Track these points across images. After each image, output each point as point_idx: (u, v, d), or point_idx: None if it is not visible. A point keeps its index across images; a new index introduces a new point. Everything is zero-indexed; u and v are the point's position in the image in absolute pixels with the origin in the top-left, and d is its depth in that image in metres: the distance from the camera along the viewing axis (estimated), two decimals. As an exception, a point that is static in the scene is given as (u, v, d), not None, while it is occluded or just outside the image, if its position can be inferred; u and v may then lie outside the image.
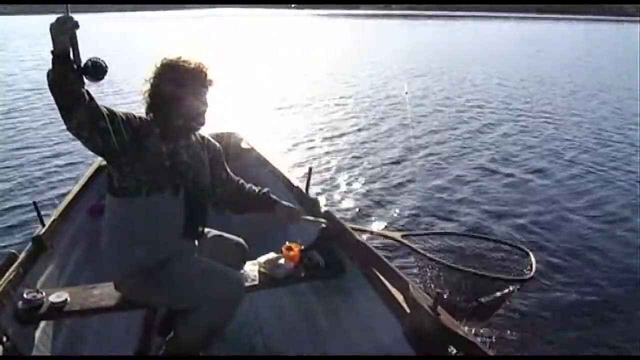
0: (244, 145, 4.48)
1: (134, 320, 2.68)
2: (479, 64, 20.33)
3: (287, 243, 2.68)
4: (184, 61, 1.99)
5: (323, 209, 2.98)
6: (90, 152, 1.91)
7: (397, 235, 2.00)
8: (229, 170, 2.42)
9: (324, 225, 2.69)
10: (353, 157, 8.11)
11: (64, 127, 1.69)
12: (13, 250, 2.44)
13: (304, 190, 3.25)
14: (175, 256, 2.08)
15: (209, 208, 2.29)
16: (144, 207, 1.99)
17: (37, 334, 2.37)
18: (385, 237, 2.10)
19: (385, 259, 2.29)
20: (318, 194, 3.26)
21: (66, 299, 2.30)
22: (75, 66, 1.64)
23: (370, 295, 2.33)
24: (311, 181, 3.26)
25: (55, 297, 2.29)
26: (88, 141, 1.74)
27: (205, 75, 2.04)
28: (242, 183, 2.45)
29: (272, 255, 2.60)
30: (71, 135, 1.74)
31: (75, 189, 3.49)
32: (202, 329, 2.10)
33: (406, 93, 13.31)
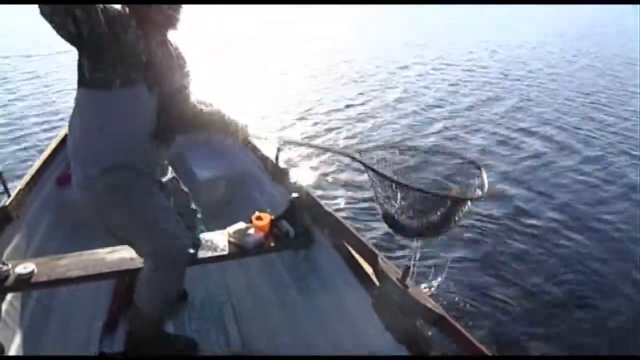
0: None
1: (103, 290, 2.66)
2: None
3: (256, 213, 2.66)
4: None
5: (293, 179, 2.97)
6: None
7: (354, 152, 1.98)
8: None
9: (294, 195, 2.68)
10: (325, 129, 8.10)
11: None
12: None
13: (273, 159, 3.22)
14: (141, 181, 2.05)
15: (182, 115, 2.18)
16: (115, 100, 1.89)
17: (4, 306, 2.33)
18: (342, 154, 2.09)
19: (354, 231, 2.30)
20: (289, 165, 3.25)
21: (33, 270, 2.26)
22: None
23: (339, 266, 2.34)
24: (280, 151, 3.23)
25: (22, 268, 2.25)
26: (60, 28, 1.65)
27: None
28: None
29: (241, 224, 2.58)
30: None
31: (42, 157, 3.41)
32: (152, 290, 2.10)
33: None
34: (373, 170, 1.83)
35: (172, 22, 1.98)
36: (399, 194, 1.81)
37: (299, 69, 13.22)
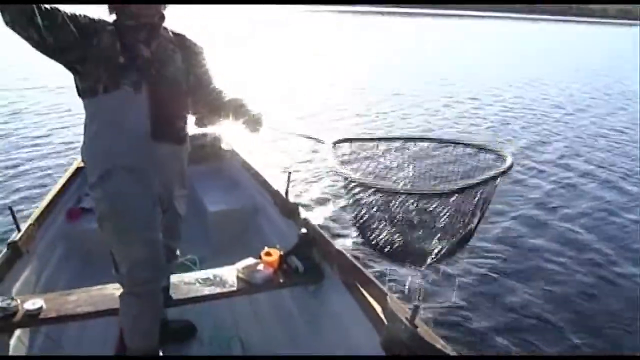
0: (224, 146, 4.47)
1: (112, 325, 2.66)
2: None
3: (266, 248, 2.67)
4: None
5: (303, 214, 2.98)
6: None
7: (328, 141, 1.86)
8: (210, 75, 2.30)
9: (303, 231, 2.69)
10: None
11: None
12: None
13: (283, 194, 3.24)
14: (138, 188, 2.00)
15: (185, 108, 2.18)
16: (102, 106, 1.92)
17: (12, 341, 2.34)
18: (312, 139, 1.97)
19: (364, 268, 2.30)
20: (298, 199, 3.28)
21: (41, 306, 2.27)
22: None
23: (348, 303, 2.32)
24: (290, 186, 3.25)
25: (31, 304, 2.26)
26: (26, 38, 1.67)
27: None
28: (221, 91, 2.32)
29: (250, 260, 2.59)
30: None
31: (53, 192, 3.44)
32: (127, 323, 2.14)
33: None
34: (351, 181, 1.62)
35: (149, 19, 1.96)
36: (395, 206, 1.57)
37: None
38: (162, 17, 2.00)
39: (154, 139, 1.98)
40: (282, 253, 2.65)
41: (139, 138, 1.96)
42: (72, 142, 8.12)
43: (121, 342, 2.46)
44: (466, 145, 1.85)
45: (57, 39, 1.72)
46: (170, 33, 2.11)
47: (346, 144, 1.95)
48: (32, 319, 2.24)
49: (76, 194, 3.66)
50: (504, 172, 1.54)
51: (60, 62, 1.84)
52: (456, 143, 1.88)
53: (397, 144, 1.98)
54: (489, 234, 5.29)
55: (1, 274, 2.40)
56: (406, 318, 1.82)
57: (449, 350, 1.73)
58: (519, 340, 3.63)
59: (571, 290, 4.36)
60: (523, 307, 4.07)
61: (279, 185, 3.49)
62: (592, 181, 7.26)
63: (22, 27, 1.63)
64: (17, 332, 2.38)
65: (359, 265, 2.33)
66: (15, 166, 7.55)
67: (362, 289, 2.22)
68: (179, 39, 2.14)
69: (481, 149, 1.79)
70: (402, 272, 4.72)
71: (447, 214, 1.56)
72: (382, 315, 2.02)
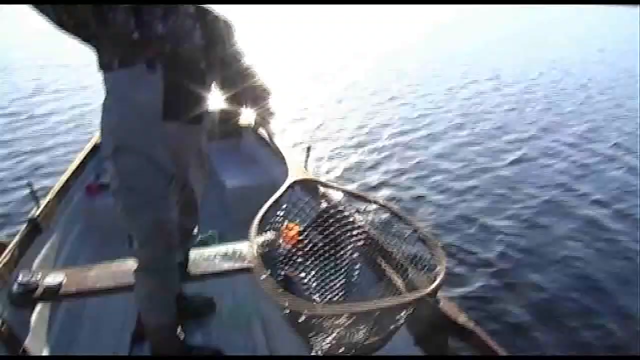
0: (244, 122, 4.44)
1: (133, 300, 2.67)
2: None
3: (285, 223, 2.64)
4: None
5: (322, 190, 2.94)
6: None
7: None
8: (239, 52, 2.25)
9: (323, 205, 2.65)
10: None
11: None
12: (1, 239, 2.40)
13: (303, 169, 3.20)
14: (150, 169, 1.96)
15: (203, 87, 2.10)
16: (116, 81, 1.90)
17: (34, 317, 2.35)
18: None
19: (385, 242, 2.25)
20: (318, 174, 3.23)
21: (62, 281, 2.28)
22: None
23: (370, 277, 2.29)
24: (309, 160, 3.20)
25: (51, 279, 2.27)
26: (44, 15, 1.65)
27: None
28: (251, 72, 2.27)
29: (270, 235, 2.56)
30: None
31: (71, 167, 3.44)
32: (143, 301, 2.14)
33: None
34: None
35: None
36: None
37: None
38: None
39: (167, 119, 1.94)
40: (301, 228, 2.61)
41: (151, 118, 1.92)
42: (91, 118, 8.20)
43: (141, 318, 2.47)
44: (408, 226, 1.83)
45: (72, 16, 1.69)
46: (192, 8, 2.03)
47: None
48: (53, 294, 2.24)
49: (95, 169, 3.67)
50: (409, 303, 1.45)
51: (77, 38, 1.81)
52: (405, 222, 1.86)
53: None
54: (510, 215, 5.22)
55: (21, 250, 2.40)
56: (428, 292, 1.78)
57: (471, 325, 1.69)
58: (540, 321, 3.59)
59: (594, 274, 4.29)
60: (546, 289, 4.03)
61: (298, 160, 3.44)
62: (617, 165, 7.10)
63: (39, 5, 1.62)
64: (38, 307, 2.39)
65: (379, 238, 2.28)
66: (35, 141, 7.63)
67: (383, 263, 2.18)
68: (201, 13, 2.07)
69: (422, 240, 1.78)
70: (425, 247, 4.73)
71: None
72: (404, 290, 1.98)
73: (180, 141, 2.05)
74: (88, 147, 3.81)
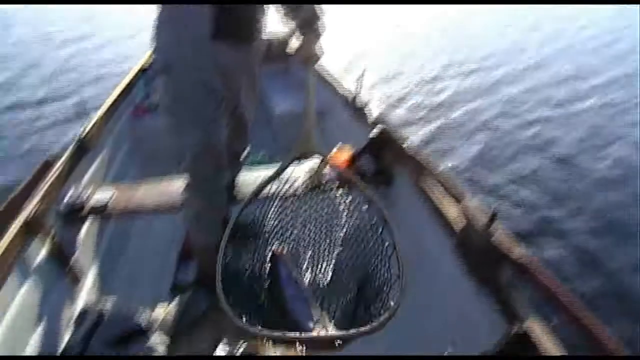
0: (294, 46, 4.32)
1: (180, 220, 2.69)
2: None
3: (335, 148, 2.56)
4: None
5: (374, 113, 2.83)
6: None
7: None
8: None
9: (375, 131, 2.55)
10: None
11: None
12: (50, 157, 2.39)
13: (354, 94, 3.09)
14: (197, 86, 1.89)
15: (257, 8, 1.96)
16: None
17: (82, 233, 2.38)
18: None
19: (439, 170, 2.15)
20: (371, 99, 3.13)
21: (110, 199, 2.29)
22: None
23: (420, 207, 2.20)
24: (362, 86, 3.07)
25: (99, 196, 2.28)
26: None
27: None
28: None
29: (318, 160, 2.50)
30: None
31: (120, 87, 3.43)
32: (190, 218, 2.10)
33: None
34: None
35: None
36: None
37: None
38: None
39: (217, 38, 1.84)
40: (351, 153, 2.54)
41: (200, 37, 1.83)
42: (142, 39, 8.18)
43: (188, 237, 2.48)
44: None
45: None
46: None
47: None
48: (101, 211, 2.26)
49: (144, 90, 3.65)
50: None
51: None
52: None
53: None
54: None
55: (69, 168, 2.41)
56: (484, 222, 1.69)
57: (526, 258, 1.60)
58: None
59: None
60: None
61: (350, 85, 3.33)
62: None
63: None
64: (86, 223, 2.42)
65: (433, 166, 2.18)
66: (84, 60, 7.69)
67: (436, 192, 2.08)
68: None
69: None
70: (482, 175, 4.60)
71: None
72: (456, 219, 1.89)
73: (230, 61, 1.96)
74: (136, 67, 3.78)
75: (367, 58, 8.22)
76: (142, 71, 3.73)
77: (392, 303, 1.29)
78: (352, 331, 1.20)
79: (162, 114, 1.97)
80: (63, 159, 2.40)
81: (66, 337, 1.82)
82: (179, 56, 1.84)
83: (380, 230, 1.55)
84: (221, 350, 1.75)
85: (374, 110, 2.90)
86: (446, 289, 1.93)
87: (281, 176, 1.77)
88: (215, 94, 1.92)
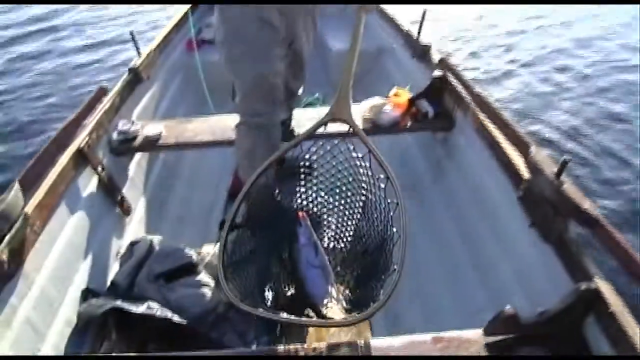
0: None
1: (230, 156, 2.66)
2: None
3: (394, 88, 2.46)
4: None
5: (435, 56, 2.69)
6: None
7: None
8: None
9: (436, 73, 2.43)
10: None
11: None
12: (104, 85, 2.38)
13: (415, 35, 2.94)
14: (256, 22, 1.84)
15: None
16: None
17: (132, 166, 2.38)
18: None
19: (504, 115, 2.02)
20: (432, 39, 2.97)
21: (161, 132, 2.28)
22: None
23: (482, 153, 2.08)
24: (423, 26, 2.91)
25: (151, 129, 2.27)
26: None
27: None
28: None
29: (376, 99, 2.40)
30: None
31: (174, 20, 3.39)
32: (241, 154, 2.07)
33: None
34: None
35: None
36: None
37: None
38: None
39: None
40: (411, 95, 2.43)
41: None
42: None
43: (237, 174, 2.46)
44: None
45: None
46: None
47: None
48: (152, 144, 2.25)
49: (197, 24, 3.60)
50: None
51: None
52: None
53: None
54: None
55: (122, 98, 2.39)
56: (552, 172, 1.59)
57: (597, 213, 1.50)
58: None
59: None
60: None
61: (410, 24, 3.17)
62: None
63: None
64: (137, 156, 2.42)
65: (498, 111, 2.05)
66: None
67: (500, 138, 1.96)
68: None
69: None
70: (553, 123, 4.38)
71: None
72: (522, 169, 1.79)
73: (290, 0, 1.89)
74: (191, 3, 3.73)
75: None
76: (196, 5, 3.68)
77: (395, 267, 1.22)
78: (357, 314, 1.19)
79: (218, 47, 1.92)
80: (116, 89, 2.38)
81: (113, 270, 1.84)
82: None
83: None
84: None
85: (435, 52, 2.76)
86: (509, 240, 1.85)
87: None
88: (272, 28, 1.86)
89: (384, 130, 2.34)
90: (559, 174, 1.57)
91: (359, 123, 2.34)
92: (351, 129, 1.59)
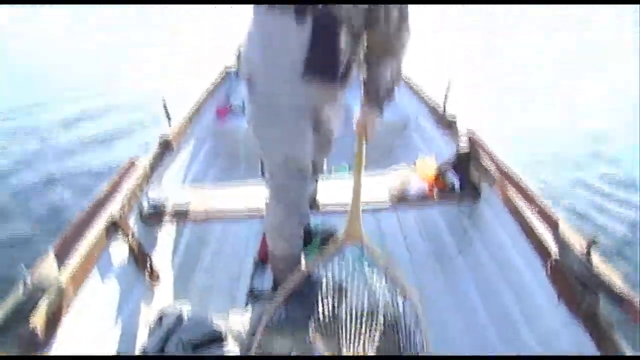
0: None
1: (256, 225, 2.68)
2: None
3: (419, 157, 2.50)
4: None
5: (463, 126, 2.74)
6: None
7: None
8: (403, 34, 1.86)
9: (462, 145, 2.47)
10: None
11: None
12: (133, 157, 2.45)
13: (441, 105, 3.00)
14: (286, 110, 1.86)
15: (353, 51, 1.83)
16: (261, 23, 1.76)
17: (161, 233, 2.42)
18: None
19: (532, 189, 2.03)
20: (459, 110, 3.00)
21: (190, 200, 2.33)
22: None
23: (509, 227, 2.09)
24: (449, 96, 2.97)
25: (180, 197, 2.32)
26: None
27: None
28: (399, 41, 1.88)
29: (404, 171, 2.44)
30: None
31: (205, 89, 3.51)
32: (271, 227, 2.08)
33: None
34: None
35: None
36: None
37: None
38: None
39: (306, 77, 1.77)
40: (436, 165, 2.46)
41: (289, 72, 1.77)
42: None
43: (264, 243, 2.47)
44: None
45: None
46: None
47: None
48: (181, 213, 2.30)
49: (225, 92, 3.73)
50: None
51: None
52: None
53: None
54: None
55: (153, 167, 2.46)
56: (581, 248, 1.59)
57: (627, 290, 1.48)
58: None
59: None
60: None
61: (436, 95, 3.25)
62: None
63: None
64: (166, 225, 2.45)
65: (525, 185, 2.06)
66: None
67: (527, 212, 1.96)
68: None
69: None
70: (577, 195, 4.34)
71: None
72: (549, 244, 1.78)
73: (319, 94, 1.89)
74: (221, 70, 3.89)
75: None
76: (225, 74, 3.83)
77: None
78: None
79: (248, 123, 1.97)
80: (147, 158, 2.46)
81: (143, 338, 1.84)
82: (267, 77, 1.82)
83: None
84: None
85: (461, 123, 2.81)
86: (537, 315, 1.83)
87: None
88: (302, 113, 1.89)
89: (412, 202, 2.37)
90: (588, 251, 1.57)
91: (386, 195, 2.38)
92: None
